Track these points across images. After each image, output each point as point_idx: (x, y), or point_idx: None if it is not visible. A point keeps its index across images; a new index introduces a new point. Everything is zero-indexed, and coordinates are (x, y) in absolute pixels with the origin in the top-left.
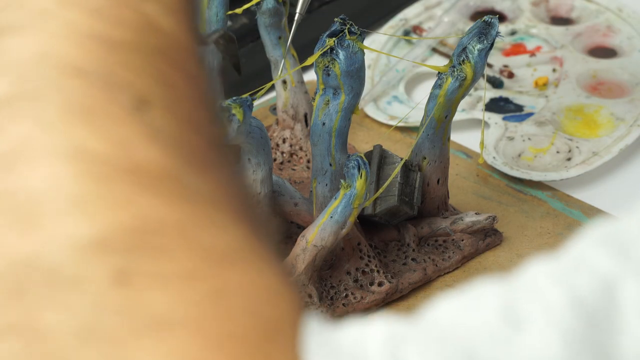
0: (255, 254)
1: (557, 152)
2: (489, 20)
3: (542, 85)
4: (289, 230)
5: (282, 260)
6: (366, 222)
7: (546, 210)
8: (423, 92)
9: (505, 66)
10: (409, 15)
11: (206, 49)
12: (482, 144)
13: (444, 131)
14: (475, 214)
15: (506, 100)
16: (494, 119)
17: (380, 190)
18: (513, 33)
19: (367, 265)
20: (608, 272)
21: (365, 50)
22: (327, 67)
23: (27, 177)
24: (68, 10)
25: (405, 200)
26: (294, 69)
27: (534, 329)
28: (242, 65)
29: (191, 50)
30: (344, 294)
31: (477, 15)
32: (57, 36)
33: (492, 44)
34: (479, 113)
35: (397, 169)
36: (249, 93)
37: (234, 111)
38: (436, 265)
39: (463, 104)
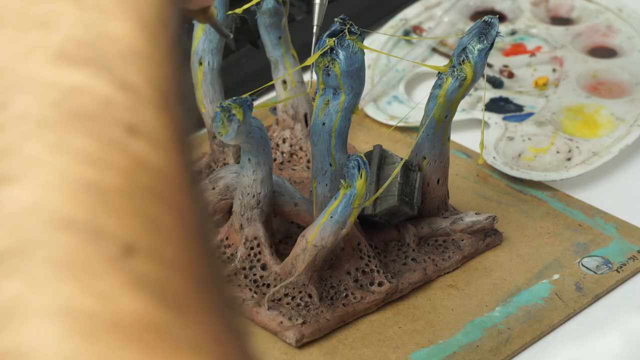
0: None
1: (557, 152)
2: (489, 20)
3: (542, 85)
4: (288, 230)
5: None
6: (366, 222)
7: (546, 210)
8: (423, 92)
9: (505, 66)
10: (409, 15)
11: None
12: (481, 144)
13: (444, 131)
14: (475, 214)
15: (506, 100)
16: (494, 119)
17: (380, 190)
18: (513, 33)
19: (367, 265)
20: None
21: (365, 50)
22: (327, 67)
23: (17, 337)
24: (58, 157)
25: (405, 200)
26: (294, 69)
27: None
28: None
29: (183, 185)
30: (344, 294)
31: (477, 15)
32: (48, 187)
33: (492, 44)
34: (479, 113)
35: (397, 169)
36: (249, 93)
37: (234, 111)
38: (436, 265)
39: (463, 104)
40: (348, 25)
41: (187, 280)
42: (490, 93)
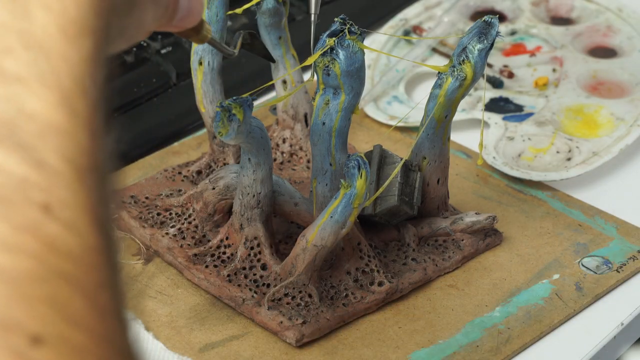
0: None
1: (557, 152)
2: (489, 20)
3: (542, 85)
4: (288, 230)
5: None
6: (366, 222)
7: (546, 210)
8: (423, 92)
9: (505, 66)
10: (409, 15)
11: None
12: (481, 144)
13: (444, 131)
14: (475, 214)
15: (506, 100)
16: (494, 119)
17: (380, 190)
18: (513, 33)
19: (367, 265)
20: None
21: (365, 50)
22: (327, 67)
23: None
24: None
25: (405, 200)
26: (294, 69)
27: None
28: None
29: (96, 265)
30: (344, 294)
31: (477, 15)
32: None
33: (492, 44)
34: (479, 113)
35: (397, 169)
36: (249, 93)
37: (234, 111)
38: (436, 265)
39: (463, 104)
40: (348, 25)
41: None
42: (490, 93)
